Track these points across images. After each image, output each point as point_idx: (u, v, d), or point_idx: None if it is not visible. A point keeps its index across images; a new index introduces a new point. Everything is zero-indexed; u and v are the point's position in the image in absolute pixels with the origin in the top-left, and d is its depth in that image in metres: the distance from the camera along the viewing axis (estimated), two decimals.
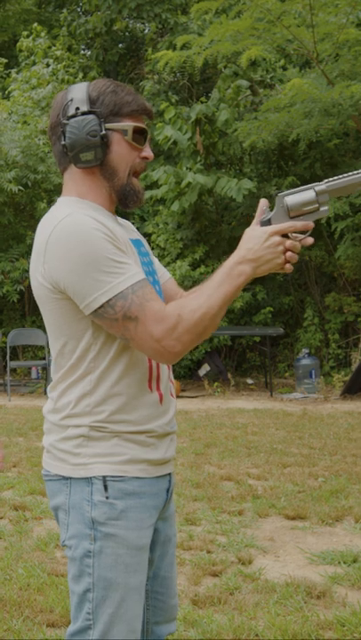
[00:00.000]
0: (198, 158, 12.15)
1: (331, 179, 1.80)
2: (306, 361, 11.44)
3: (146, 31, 15.48)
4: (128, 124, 1.84)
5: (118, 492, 1.78)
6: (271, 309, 12.79)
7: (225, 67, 12.60)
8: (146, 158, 1.89)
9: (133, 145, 1.85)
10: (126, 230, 1.93)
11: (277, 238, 1.75)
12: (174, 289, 2.07)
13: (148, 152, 1.89)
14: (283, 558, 4.10)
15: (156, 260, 2.05)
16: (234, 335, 12.71)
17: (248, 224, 1.83)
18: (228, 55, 11.09)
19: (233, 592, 3.58)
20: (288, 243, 1.75)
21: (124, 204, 1.89)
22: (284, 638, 3.05)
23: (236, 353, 13.60)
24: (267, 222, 1.78)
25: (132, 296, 1.70)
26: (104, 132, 1.82)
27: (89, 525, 1.78)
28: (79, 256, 1.69)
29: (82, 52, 15.66)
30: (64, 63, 14.19)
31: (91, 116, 1.81)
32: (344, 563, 3.92)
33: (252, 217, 1.83)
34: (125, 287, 1.70)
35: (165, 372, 1.89)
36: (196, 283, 11.30)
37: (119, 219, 1.97)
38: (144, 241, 2.03)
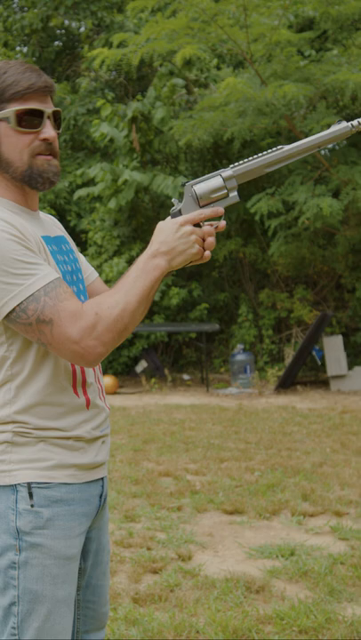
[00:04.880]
0: (135, 156, 12.18)
1: (236, 163, 1.76)
2: (241, 356, 11.63)
3: (82, 29, 15.40)
4: (8, 111, 1.68)
5: (44, 499, 1.71)
6: (207, 306, 12.94)
7: (161, 65, 12.65)
8: (46, 139, 1.73)
9: (22, 131, 1.70)
10: (45, 227, 1.83)
11: (189, 228, 1.70)
12: (101, 289, 2.00)
13: (47, 132, 1.72)
14: (222, 553, 4.17)
15: (82, 258, 1.97)
16: (170, 332, 12.80)
17: None
18: (164, 54, 11.15)
19: (173, 589, 3.62)
20: (206, 229, 1.70)
21: (32, 187, 1.77)
22: (224, 634, 3.09)
23: (173, 349, 13.70)
24: (177, 213, 1.74)
25: (44, 298, 1.61)
26: None
27: (14, 535, 1.70)
28: None
29: (18, 48, 15.48)
30: None
31: None
32: (282, 556, 4.01)
33: None
34: (37, 289, 1.61)
35: (92, 374, 1.80)
36: None
37: (42, 214, 1.88)
38: (69, 238, 1.95)
